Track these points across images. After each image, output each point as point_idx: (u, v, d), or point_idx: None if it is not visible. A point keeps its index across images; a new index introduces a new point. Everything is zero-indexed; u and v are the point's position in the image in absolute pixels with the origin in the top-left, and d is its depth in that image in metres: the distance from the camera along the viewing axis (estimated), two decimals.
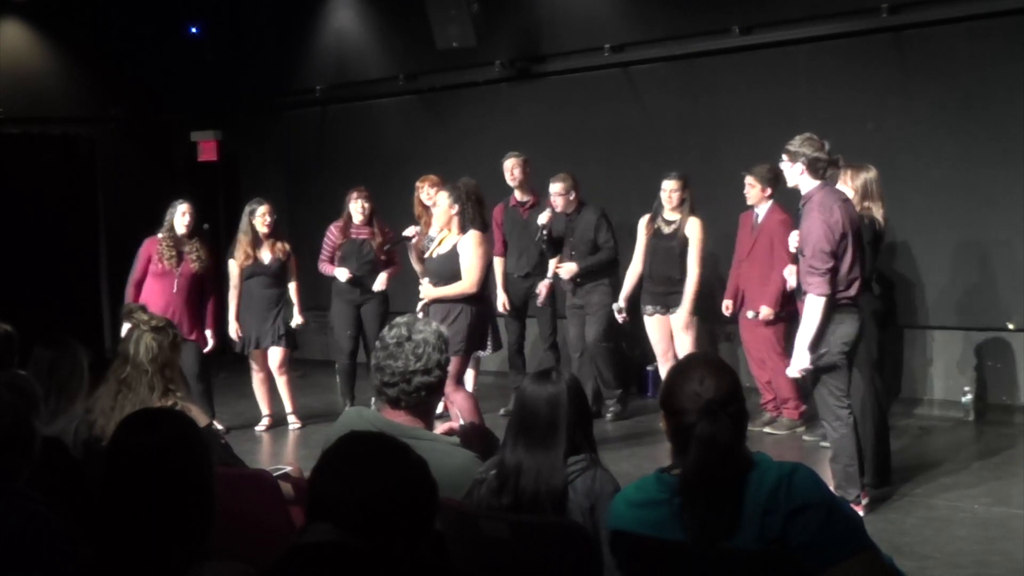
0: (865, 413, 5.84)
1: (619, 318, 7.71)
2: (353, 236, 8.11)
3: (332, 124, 11.32)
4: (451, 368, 6.27)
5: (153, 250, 7.68)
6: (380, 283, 8.08)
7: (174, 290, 7.63)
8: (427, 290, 6.51)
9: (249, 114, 11.69)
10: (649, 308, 7.61)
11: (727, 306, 7.68)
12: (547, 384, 3.04)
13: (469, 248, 6.41)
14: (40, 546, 2.48)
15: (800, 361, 5.41)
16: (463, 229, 6.46)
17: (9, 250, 10.47)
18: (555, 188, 7.82)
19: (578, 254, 7.83)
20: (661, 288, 7.52)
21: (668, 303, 7.51)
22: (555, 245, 7.93)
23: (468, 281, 6.39)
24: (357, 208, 8.06)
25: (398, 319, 3.38)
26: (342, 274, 8.05)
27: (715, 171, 8.30)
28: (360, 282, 8.09)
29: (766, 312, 7.33)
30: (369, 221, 8.10)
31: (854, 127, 7.86)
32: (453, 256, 6.43)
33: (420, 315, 7.72)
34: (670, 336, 7.59)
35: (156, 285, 7.64)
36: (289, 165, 11.64)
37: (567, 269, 7.82)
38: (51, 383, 4.04)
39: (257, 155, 11.85)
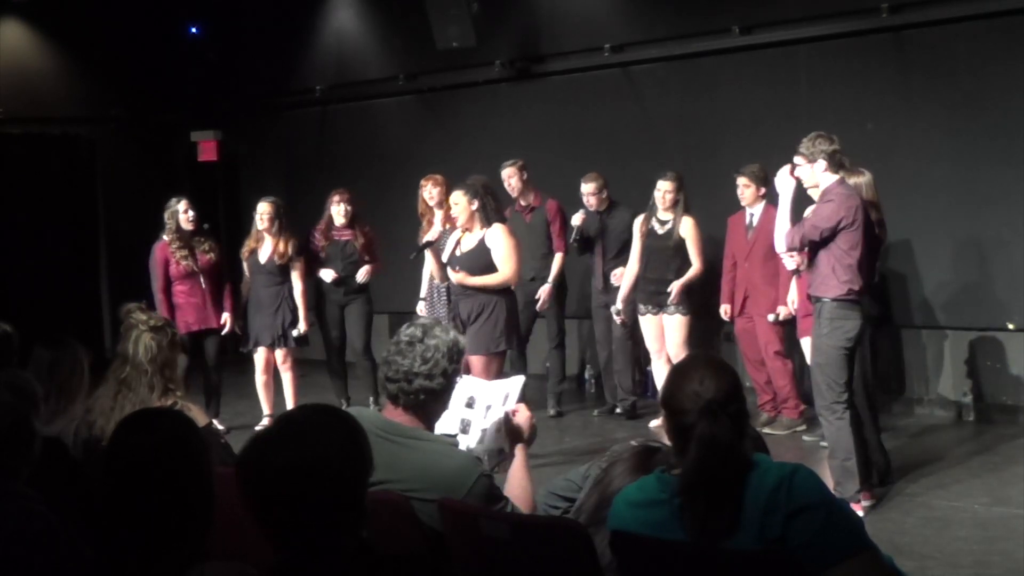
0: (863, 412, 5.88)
1: (617, 320, 7.76)
2: (336, 238, 8.14)
3: (332, 124, 11.31)
4: (493, 368, 6.30)
5: (168, 254, 7.72)
6: (362, 275, 8.09)
7: (203, 287, 7.76)
8: (461, 277, 6.35)
9: (249, 114, 11.69)
10: (642, 308, 7.65)
11: (726, 311, 7.67)
12: None
13: (500, 239, 6.36)
14: (40, 546, 2.48)
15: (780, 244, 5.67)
16: (487, 223, 6.41)
17: (9, 250, 10.47)
18: (587, 188, 7.89)
19: (610, 253, 7.89)
20: (654, 288, 7.56)
21: (661, 303, 7.55)
22: (586, 244, 7.96)
23: (508, 271, 6.35)
24: (339, 211, 8.10)
25: (421, 319, 3.37)
26: (327, 275, 8.12)
27: (715, 171, 8.30)
28: (344, 282, 8.15)
29: (784, 312, 7.28)
30: (351, 223, 8.13)
31: (854, 127, 7.85)
32: (483, 251, 6.37)
33: (422, 309, 7.79)
34: (663, 336, 7.61)
35: (185, 287, 7.77)
36: (289, 165, 11.63)
37: (618, 275, 7.80)
38: (51, 383, 4.03)
39: (257, 155, 11.84)
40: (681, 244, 7.46)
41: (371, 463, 2.10)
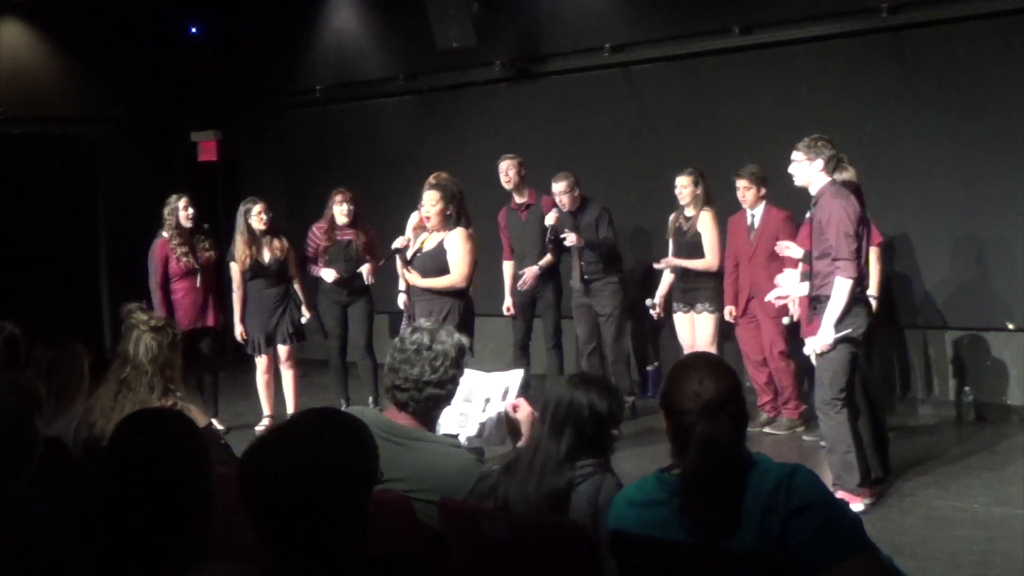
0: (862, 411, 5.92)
1: (652, 314, 7.90)
2: (338, 238, 8.04)
3: (332, 124, 11.31)
4: None
5: (167, 250, 7.71)
6: (367, 275, 7.97)
7: (198, 285, 7.77)
8: (413, 278, 6.47)
9: (249, 114, 11.69)
10: (675, 305, 7.73)
11: (731, 312, 7.65)
12: (578, 389, 2.99)
13: (457, 243, 6.43)
14: (40, 546, 2.48)
15: (825, 337, 5.46)
16: (448, 226, 6.49)
17: (9, 250, 10.47)
18: (558, 188, 7.85)
19: (586, 251, 7.88)
20: (684, 285, 7.64)
21: (692, 300, 7.58)
22: (562, 244, 7.91)
23: (457, 275, 6.42)
24: (342, 211, 7.96)
25: (422, 322, 3.38)
26: (328, 275, 7.99)
27: (715, 172, 8.27)
28: (347, 282, 8.04)
29: (797, 313, 7.22)
30: (353, 223, 8.04)
31: (854, 127, 7.86)
32: (440, 252, 6.45)
33: (402, 302, 7.79)
34: (695, 333, 7.64)
35: (183, 284, 7.80)
36: (289, 165, 11.63)
37: (571, 239, 7.67)
38: (51, 383, 4.03)
39: (257, 155, 11.85)
40: (699, 239, 7.50)
41: (376, 469, 2.08)
